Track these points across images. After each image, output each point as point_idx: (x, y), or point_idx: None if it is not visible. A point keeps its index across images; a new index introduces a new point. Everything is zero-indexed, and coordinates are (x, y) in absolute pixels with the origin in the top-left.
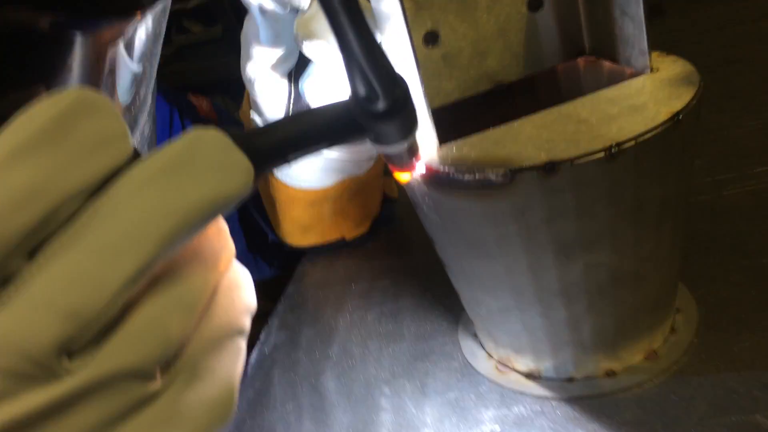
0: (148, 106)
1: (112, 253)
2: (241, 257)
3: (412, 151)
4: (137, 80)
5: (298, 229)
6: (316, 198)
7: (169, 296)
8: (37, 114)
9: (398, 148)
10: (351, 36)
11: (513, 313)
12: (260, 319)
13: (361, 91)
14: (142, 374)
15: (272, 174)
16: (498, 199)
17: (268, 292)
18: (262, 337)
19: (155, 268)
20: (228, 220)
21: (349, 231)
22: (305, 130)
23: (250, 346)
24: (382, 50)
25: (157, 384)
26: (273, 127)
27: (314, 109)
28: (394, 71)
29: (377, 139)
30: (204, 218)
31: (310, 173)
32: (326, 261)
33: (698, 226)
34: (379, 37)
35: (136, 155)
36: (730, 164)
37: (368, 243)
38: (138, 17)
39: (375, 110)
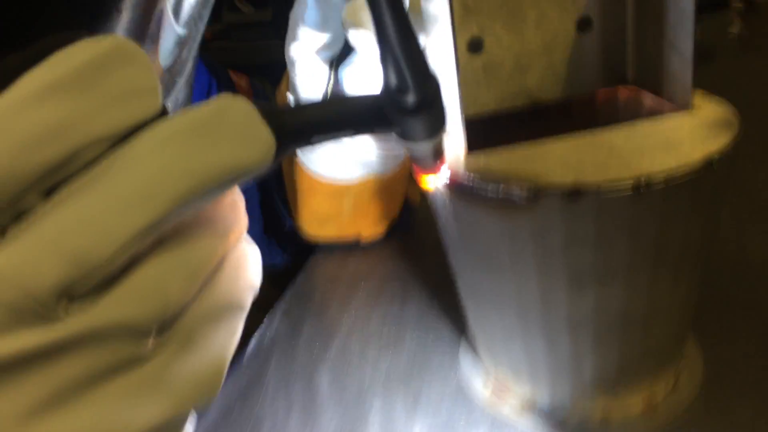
0: (187, 71)
1: (124, 203)
2: (256, 239)
3: (438, 153)
4: (180, 43)
5: (316, 219)
6: (338, 190)
7: (174, 258)
8: (73, 55)
9: (423, 146)
10: (389, 24)
11: (516, 336)
12: (266, 307)
13: (393, 81)
14: (136, 332)
15: (298, 160)
16: (518, 217)
17: (277, 280)
18: (264, 323)
19: (165, 228)
20: (249, 200)
21: (367, 228)
22: (333, 115)
23: (251, 333)
24: (419, 43)
25: (149, 346)
26: (301, 107)
27: (345, 97)
28: (428, 66)
29: (403, 135)
30: (220, 184)
31: (336, 164)
32: (339, 257)
33: (718, 280)
34: (424, 38)
35: (164, 112)
36: (760, 221)
37: (383, 245)
38: None
39: (404, 103)
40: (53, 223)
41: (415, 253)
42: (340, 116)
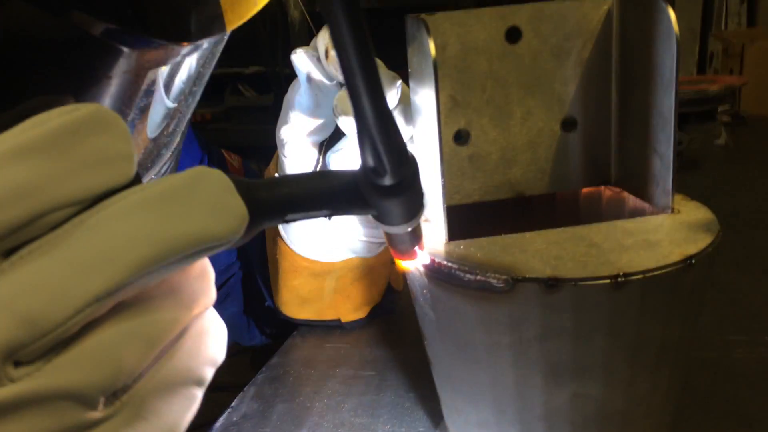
0: (174, 144)
1: (83, 268)
2: (236, 319)
3: (415, 238)
4: (169, 116)
5: (296, 300)
6: (321, 270)
7: (131, 325)
8: (50, 118)
9: (400, 230)
10: (367, 105)
11: (491, 430)
12: (239, 387)
13: (370, 162)
14: (84, 399)
15: (281, 239)
16: (495, 306)
17: (257, 361)
18: (234, 403)
19: (126, 294)
20: (231, 279)
21: (347, 314)
22: (309, 193)
23: (221, 411)
24: (396, 127)
25: (97, 415)
26: (278, 182)
27: (323, 173)
28: (406, 149)
29: (380, 218)
30: (186, 254)
31: (319, 244)
32: (317, 338)
33: (700, 382)
34: (411, 129)
35: (137, 180)
36: (742, 327)
37: (363, 329)
38: (184, 47)
39: (381, 185)
40: (8, 284)
41: (394, 340)
42: (316, 194)
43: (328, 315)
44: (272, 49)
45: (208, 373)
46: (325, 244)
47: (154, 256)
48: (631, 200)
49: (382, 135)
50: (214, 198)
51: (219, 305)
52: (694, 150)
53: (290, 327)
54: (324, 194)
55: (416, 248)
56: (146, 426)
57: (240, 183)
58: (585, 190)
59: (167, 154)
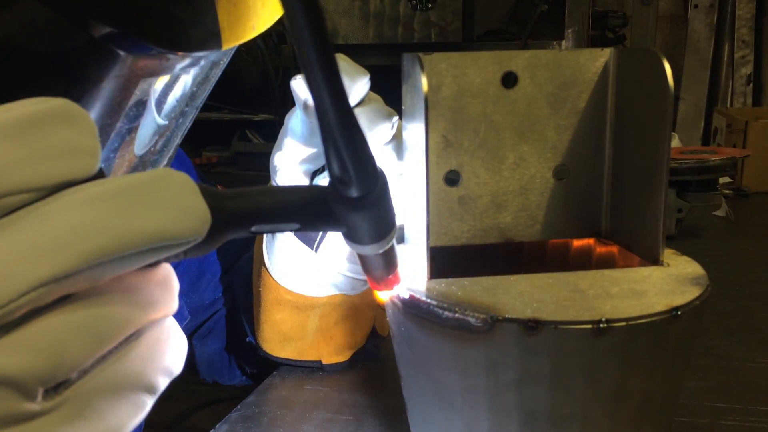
0: (161, 165)
1: (31, 253)
2: (217, 355)
3: (389, 264)
4: (158, 133)
5: (278, 337)
6: (304, 305)
7: (78, 316)
8: (17, 107)
9: (371, 251)
10: (329, 108)
11: None
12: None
13: (335, 170)
14: (21, 387)
15: (266, 268)
16: (472, 346)
17: (238, 402)
18: None
19: (77, 286)
20: (216, 314)
21: (328, 356)
22: (277, 204)
23: None
24: (363, 136)
25: (35, 407)
26: (246, 192)
27: (293, 186)
28: (374, 162)
29: (350, 235)
30: (141, 249)
31: (303, 276)
32: (296, 380)
33: None
34: (402, 168)
35: (100, 176)
36: (734, 395)
37: (344, 373)
38: (178, 57)
39: (348, 196)
40: None
41: (375, 385)
42: (284, 206)
43: (310, 355)
44: (283, 98)
45: (161, 383)
46: (308, 277)
47: (105, 247)
48: (622, 254)
49: (346, 140)
50: (175, 197)
51: (201, 341)
52: (695, 219)
53: (271, 368)
54: (291, 206)
55: (392, 278)
56: (86, 426)
57: (206, 189)
58: (575, 241)
59: None
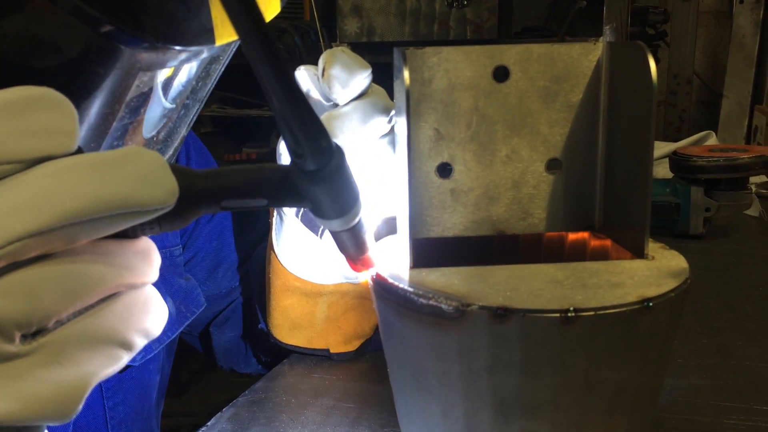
0: (170, 153)
1: (8, 212)
2: (234, 343)
3: (359, 242)
4: (165, 116)
5: (287, 323)
6: (312, 291)
7: (53, 269)
8: (3, 93)
9: (338, 226)
10: (273, 84)
11: None
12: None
13: (290, 143)
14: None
15: (275, 256)
16: (446, 333)
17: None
18: (210, 422)
19: (52, 246)
20: (233, 303)
21: (336, 345)
22: (244, 181)
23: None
24: (312, 109)
25: (12, 348)
26: (216, 171)
27: (260, 165)
28: (327, 135)
29: (315, 211)
30: (111, 213)
31: (310, 262)
32: (305, 368)
33: None
34: (394, 158)
35: (78, 153)
36: (740, 394)
37: (353, 362)
38: (174, 51)
39: (306, 170)
40: None
41: (380, 375)
42: (250, 182)
43: (318, 344)
44: None
45: (138, 341)
46: (314, 263)
47: (76, 209)
48: (615, 248)
49: (293, 114)
50: (144, 170)
51: (218, 329)
52: (725, 218)
53: (284, 357)
54: (257, 183)
55: (366, 259)
56: (60, 371)
57: (178, 168)
58: (569, 234)
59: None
